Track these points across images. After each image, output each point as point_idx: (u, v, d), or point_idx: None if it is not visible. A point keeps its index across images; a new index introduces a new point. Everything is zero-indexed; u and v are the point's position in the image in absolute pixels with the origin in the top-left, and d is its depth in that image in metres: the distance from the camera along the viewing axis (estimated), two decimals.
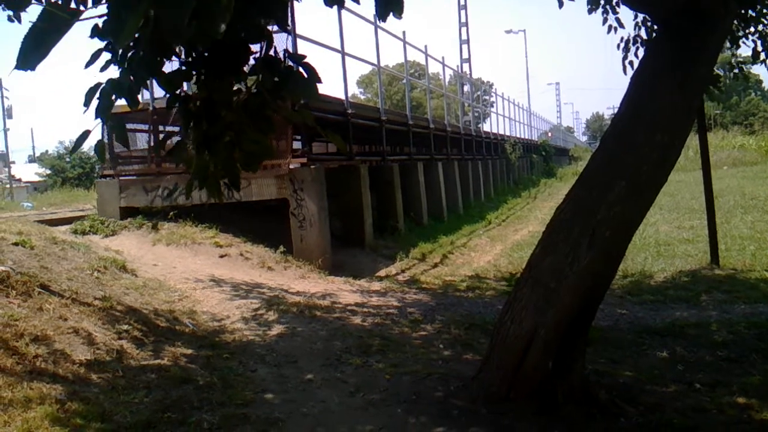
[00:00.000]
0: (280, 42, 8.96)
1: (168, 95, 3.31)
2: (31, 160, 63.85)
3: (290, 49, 4.85)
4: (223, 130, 3.30)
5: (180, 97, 3.29)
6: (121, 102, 3.01)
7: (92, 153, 42.98)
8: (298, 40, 10.31)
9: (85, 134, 2.91)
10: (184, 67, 3.18)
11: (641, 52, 8.29)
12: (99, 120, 2.89)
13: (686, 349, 5.89)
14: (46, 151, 58.96)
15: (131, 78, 2.90)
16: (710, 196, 10.15)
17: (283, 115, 3.47)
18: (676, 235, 12.68)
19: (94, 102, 2.85)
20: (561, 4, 7.93)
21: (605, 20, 8.30)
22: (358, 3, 3.28)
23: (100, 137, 2.91)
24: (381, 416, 4.34)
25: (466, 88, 31.80)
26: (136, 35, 2.85)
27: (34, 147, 72.03)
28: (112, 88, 2.86)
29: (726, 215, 14.09)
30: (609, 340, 6.14)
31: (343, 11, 11.97)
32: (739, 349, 5.79)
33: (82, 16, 2.42)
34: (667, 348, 5.97)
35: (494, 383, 4.42)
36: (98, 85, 2.86)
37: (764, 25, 7.77)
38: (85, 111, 2.85)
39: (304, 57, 3.36)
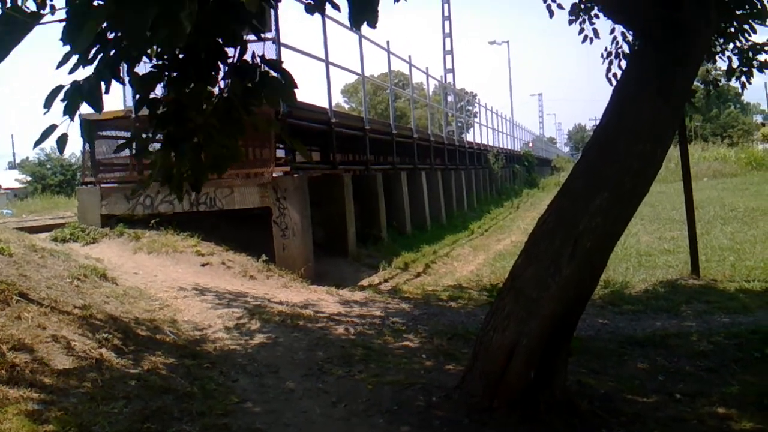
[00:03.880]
0: (266, 50, 8.94)
1: (138, 97, 3.31)
2: (11, 166, 63.12)
3: (275, 58, 4.87)
4: (190, 133, 3.31)
5: (149, 99, 3.29)
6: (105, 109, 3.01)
7: (73, 159, 42.46)
8: (283, 49, 10.31)
9: (51, 128, 2.89)
10: (155, 70, 3.19)
11: (624, 65, 8.39)
12: (67, 117, 2.88)
13: (667, 360, 5.93)
14: (27, 157, 58.29)
15: (99, 83, 2.90)
16: (691, 208, 10.24)
17: (251, 123, 3.50)
18: (657, 246, 12.78)
19: (58, 104, 2.85)
20: (551, 14, 8.00)
21: (581, 30, 8.40)
22: (339, 10, 3.29)
23: (64, 132, 2.90)
24: (363, 426, 4.32)
25: (449, 98, 31.94)
26: (110, 36, 2.85)
27: (14, 153, 71.33)
28: (75, 91, 2.85)
29: (706, 226, 14.22)
30: (590, 351, 6.17)
31: (328, 20, 11.99)
32: (718, 359, 5.83)
33: (43, 20, 2.42)
34: (648, 358, 6.01)
35: (476, 393, 4.42)
36: (59, 87, 2.85)
37: (742, 42, 7.85)
38: (45, 113, 2.85)
39: (280, 62, 3.38)
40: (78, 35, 2.16)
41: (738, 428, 4.36)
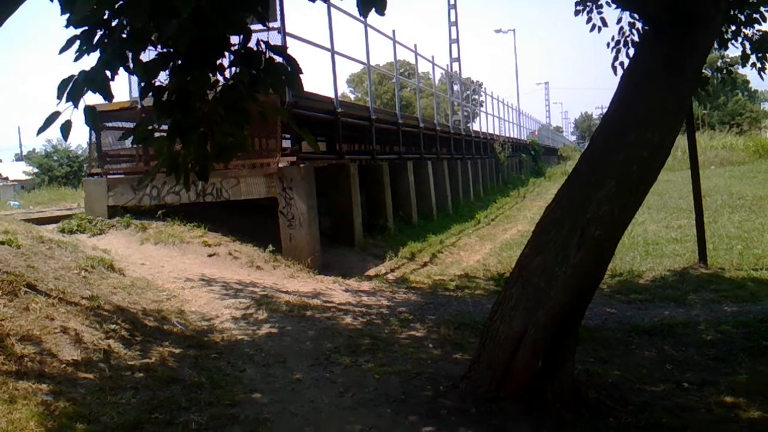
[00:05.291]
0: (272, 40, 8.87)
1: (142, 84, 3.30)
2: (19, 158, 63.32)
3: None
4: (196, 122, 3.30)
5: (154, 87, 3.27)
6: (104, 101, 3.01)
7: (80, 151, 42.60)
8: (288, 38, 10.28)
9: (55, 115, 2.87)
10: (160, 57, 3.17)
11: (632, 53, 8.33)
12: (70, 103, 2.87)
13: (674, 348, 5.92)
14: (34, 149, 58.55)
15: (105, 71, 2.89)
16: (698, 196, 10.20)
17: (259, 110, 3.48)
18: (665, 235, 12.74)
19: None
20: None
21: (589, 19, 8.34)
22: None
23: (68, 119, 2.88)
24: (370, 416, 4.32)
25: (455, 87, 31.82)
26: (113, 24, 2.84)
27: (21, 145, 71.40)
28: (84, 81, 2.84)
29: (714, 215, 14.16)
30: (598, 340, 6.16)
31: (333, 9, 11.95)
32: (726, 348, 5.82)
33: None
34: (656, 347, 6.00)
35: (484, 383, 4.42)
36: (71, 77, 2.84)
37: (756, 28, 7.76)
38: (59, 103, 2.84)
39: (285, 48, 3.37)
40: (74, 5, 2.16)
41: (746, 417, 4.35)
